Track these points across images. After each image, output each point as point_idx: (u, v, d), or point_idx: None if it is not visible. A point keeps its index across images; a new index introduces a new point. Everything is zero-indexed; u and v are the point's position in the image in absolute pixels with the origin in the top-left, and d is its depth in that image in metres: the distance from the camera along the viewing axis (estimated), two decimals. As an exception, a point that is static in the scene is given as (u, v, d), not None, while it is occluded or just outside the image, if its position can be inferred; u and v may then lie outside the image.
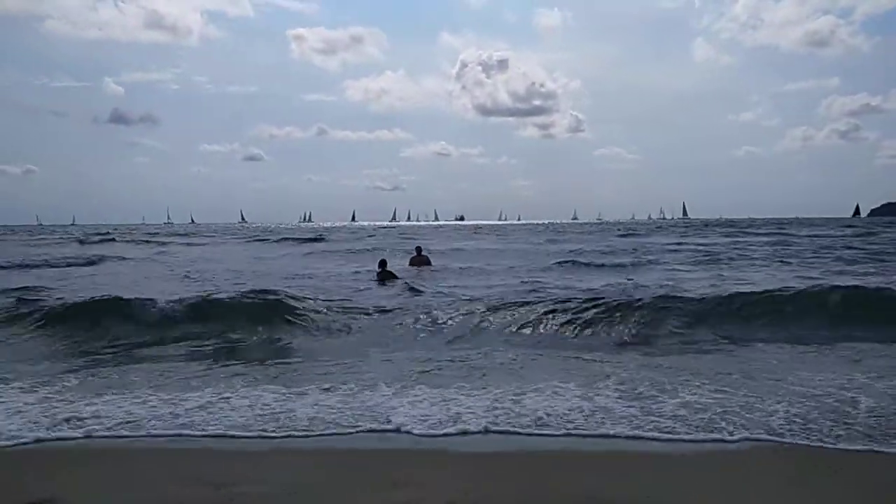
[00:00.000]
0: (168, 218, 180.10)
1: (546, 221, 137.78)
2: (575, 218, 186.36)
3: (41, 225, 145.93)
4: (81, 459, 4.59)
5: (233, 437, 5.04)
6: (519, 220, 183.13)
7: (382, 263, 16.74)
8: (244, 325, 9.85)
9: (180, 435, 5.08)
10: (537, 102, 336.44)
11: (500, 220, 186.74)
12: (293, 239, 45.00)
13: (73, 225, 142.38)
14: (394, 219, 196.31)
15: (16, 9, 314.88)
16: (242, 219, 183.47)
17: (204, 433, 5.10)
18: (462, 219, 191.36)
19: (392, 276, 16.07)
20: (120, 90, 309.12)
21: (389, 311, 10.87)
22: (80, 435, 5.05)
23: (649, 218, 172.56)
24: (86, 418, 5.41)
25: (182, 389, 6.32)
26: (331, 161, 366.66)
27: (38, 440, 4.96)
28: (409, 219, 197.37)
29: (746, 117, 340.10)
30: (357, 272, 18.97)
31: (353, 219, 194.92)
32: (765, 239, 37.31)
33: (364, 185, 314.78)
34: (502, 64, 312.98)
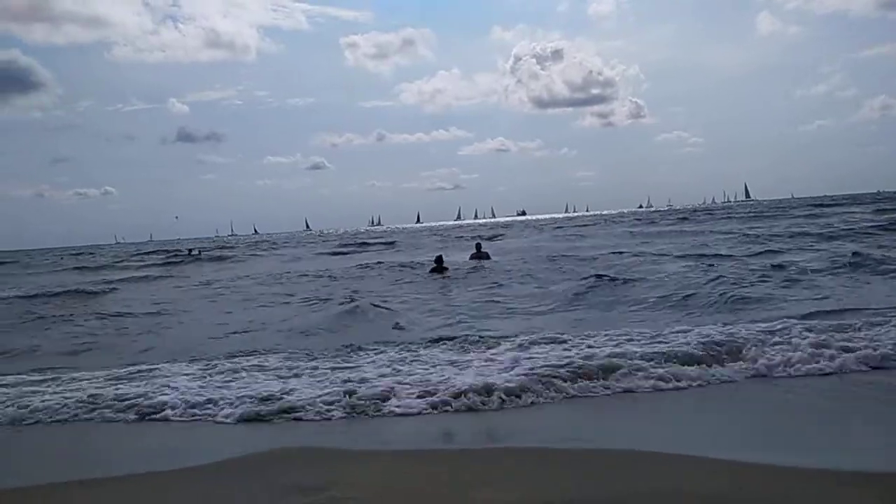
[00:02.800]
0: (232, 230, 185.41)
1: (615, 211, 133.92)
2: (649, 205, 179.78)
3: (118, 243, 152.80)
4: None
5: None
6: (587, 211, 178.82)
7: (438, 259, 18.22)
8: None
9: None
10: (595, 91, 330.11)
11: (565, 212, 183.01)
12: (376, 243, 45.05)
13: (150, 241, 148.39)
14: (459, 217, 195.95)
15: (85, 39, 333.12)
16: (307, 226, 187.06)
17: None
18: (524, 213, 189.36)
19: (444, 270, 17.48)
20: (185, 109, 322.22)
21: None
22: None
23: (713, 201, 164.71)
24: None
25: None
26: (392, 165, 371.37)
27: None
28: (476, 217, 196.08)
29: (818, 90, 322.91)
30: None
31: (418, 220, 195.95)
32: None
33: (425, 187, 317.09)
34: (557, 54, 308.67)
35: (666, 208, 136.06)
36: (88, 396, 6.53)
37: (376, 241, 48.91)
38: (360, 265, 23.23)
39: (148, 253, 47.96)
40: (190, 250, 46.73)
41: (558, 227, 58.09)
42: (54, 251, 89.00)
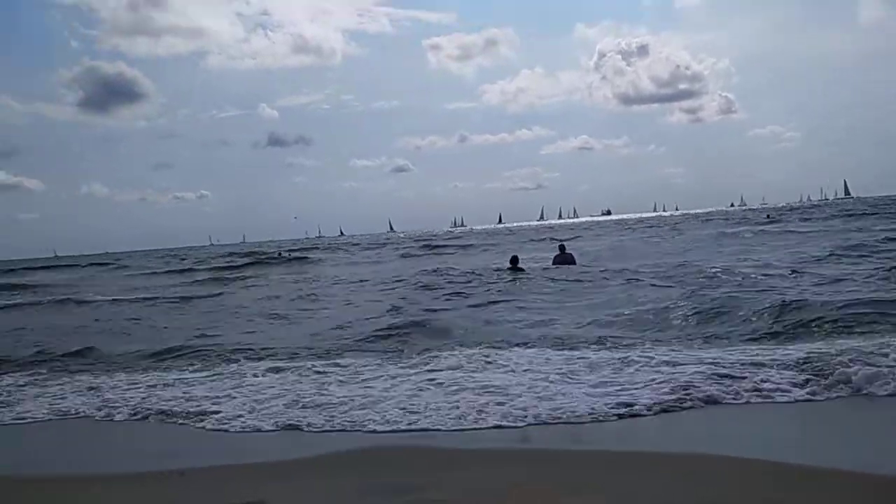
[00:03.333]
0: (319, 232, 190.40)
1: (706, 210, 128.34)
2: (742, 203, 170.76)
3: (212, 244, 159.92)
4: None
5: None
6: (677, 209, 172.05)
7: (514, 260, 17.70)
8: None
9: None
10: (683, 86, 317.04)
11: (654, 211, 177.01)
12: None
13: (243, 242, 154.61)
14: (542, 218, 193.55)
15: (182, 49, 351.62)
16: (391, 228, 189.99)
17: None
18: (609, 213, 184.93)
19: (520, 271, 17.11)
20: (275, 114, 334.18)
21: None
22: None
23: (808, 199, 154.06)
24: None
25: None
26: (474, 165, 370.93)
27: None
28: (560, 216, 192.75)
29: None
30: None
31: (500, 221, 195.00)
32: None
33: (507, 187, 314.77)
34: (643, 50, 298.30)
35: (759, 206, 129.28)
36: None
37: (456, 242, 48.99)
38: (425, 270, 22.66)
39: (242, 255, 49.88)
40: (280, 253, 48.69)
41: (649, 227, 56.44)
42: (158, 252, 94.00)
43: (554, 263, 19.24)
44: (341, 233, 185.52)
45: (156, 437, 6.02)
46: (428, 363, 7.76)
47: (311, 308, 15.19)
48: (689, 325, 9.57)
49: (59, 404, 7.14)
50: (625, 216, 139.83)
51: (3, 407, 7.17)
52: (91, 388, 7.73)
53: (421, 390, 6.52)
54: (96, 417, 6.61)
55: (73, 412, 6.83)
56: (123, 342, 11.38)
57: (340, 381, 7.14)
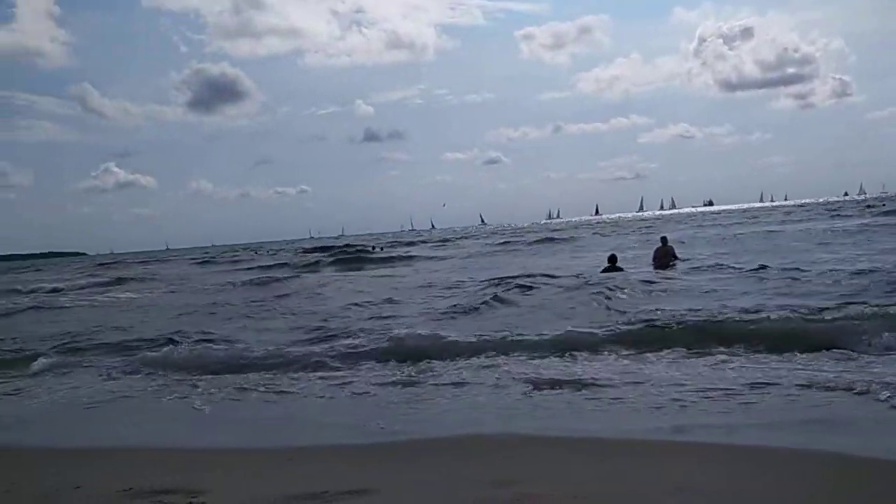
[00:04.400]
0: (412, 226, 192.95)
1: (819, 200, 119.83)
2: (861, 192, 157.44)
3: (312, 237, 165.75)
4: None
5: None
6: (785, 199, 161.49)
7: (612, 259, 16.73)
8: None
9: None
10: (791, 70, 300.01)
11: (760, 201, 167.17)
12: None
13: (342, 236, 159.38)
14: (641, 209, 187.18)
15: (281, 49, 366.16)
16: (482, 221, 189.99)
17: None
18: (710, 203, 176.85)
19: (617, 271, 16.03)
20: (370, 110, 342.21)
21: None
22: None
23: None
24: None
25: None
26: (568, 156, 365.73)
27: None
28: (661, 207, 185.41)
29: None
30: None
31: (597, 212, 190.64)
32: None
33: (602, 178, 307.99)
34: (746, 32, 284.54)
35: (880, 195, 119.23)
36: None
37: (552, 236, 48.05)
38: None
39: (340, 248, 51.23)
40: (373, 247, 49.86)
41: (753, 218, 53.49)
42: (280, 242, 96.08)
43: (655, 257, 18.43)
44: (432, 226, 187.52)
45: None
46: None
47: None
48: None
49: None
50: (728, 207, 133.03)
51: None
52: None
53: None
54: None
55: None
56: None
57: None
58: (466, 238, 62.53)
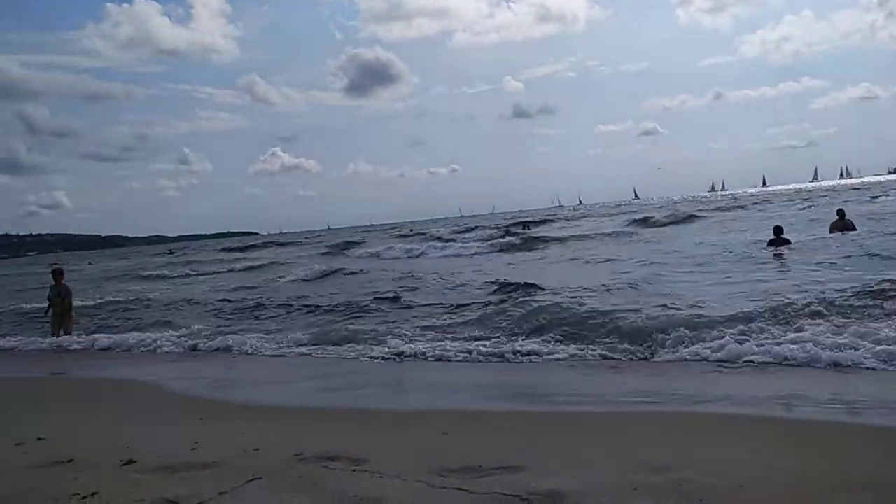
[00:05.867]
0: (559, 202, 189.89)
1: None
2: None
3: (462, 216, 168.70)
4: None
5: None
6: None
7: (777, 230, 15.76)
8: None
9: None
10: None
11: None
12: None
13: (492, 214, 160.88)
14: (815, 178, 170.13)
15: (432, 30, 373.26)
16: (636, 195, 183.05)
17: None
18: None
19: (784, 243, 15.24)
20: (520, 86, 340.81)
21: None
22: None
23: None
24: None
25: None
26: (731, 124, 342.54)
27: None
28: (843, 175, 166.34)
29: None
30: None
31: (764, 183, 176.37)
32: None
33: (770, 146, 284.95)
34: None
35: None
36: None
37: (715, 208, 44.89)
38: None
39: (496, 227, 51.12)
40: (524, 225, 49.73)
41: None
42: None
43: (831, 230, 17.03)
44: (580, 202, 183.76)
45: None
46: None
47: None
48: None
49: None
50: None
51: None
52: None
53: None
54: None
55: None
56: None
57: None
58: (606, 216, 59.69)
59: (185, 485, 3.90)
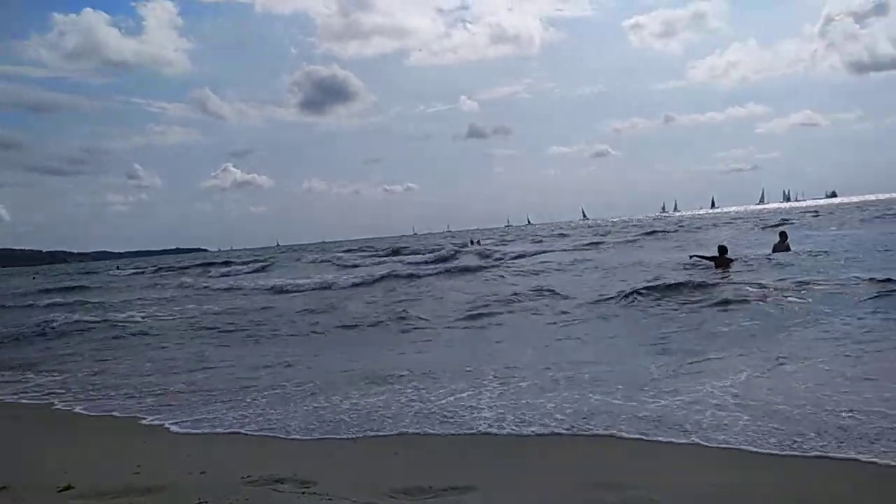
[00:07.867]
0: (508, 222, 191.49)
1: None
2: None
3: (415, 234, 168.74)
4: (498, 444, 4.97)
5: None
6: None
7: (721, 249, 16.06)
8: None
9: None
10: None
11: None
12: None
13: (448, 232, 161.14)
14: (762, 201, 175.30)
15: (388, 49, 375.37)
16: (584, 216, 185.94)
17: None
18: (834, 195, 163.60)
19: (727, 263, 15.43)
20: (475, 106, 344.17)
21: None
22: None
23: None
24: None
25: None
26: (680, 147, 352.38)
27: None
28: (787, 199, 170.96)
29: None
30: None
31: (713, 206, 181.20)
32: None
33: (718, 169, 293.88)
34: (881, 7, 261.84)
35: None
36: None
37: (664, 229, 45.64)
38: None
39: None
40: (471, 241, 50.08)
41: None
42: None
43: (774, 252, 17.85)
44: (528, 222, 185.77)
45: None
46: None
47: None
48: None
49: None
50: (857, 199, 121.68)
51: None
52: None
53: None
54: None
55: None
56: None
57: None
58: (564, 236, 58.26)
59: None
